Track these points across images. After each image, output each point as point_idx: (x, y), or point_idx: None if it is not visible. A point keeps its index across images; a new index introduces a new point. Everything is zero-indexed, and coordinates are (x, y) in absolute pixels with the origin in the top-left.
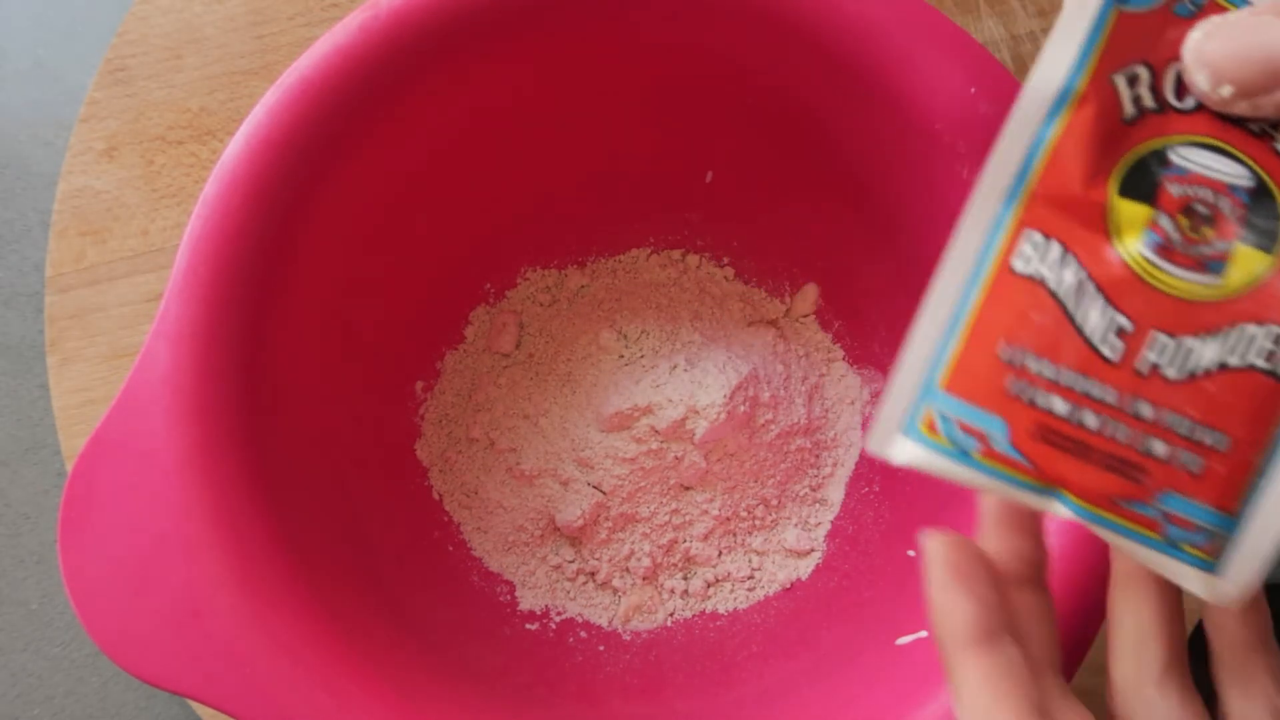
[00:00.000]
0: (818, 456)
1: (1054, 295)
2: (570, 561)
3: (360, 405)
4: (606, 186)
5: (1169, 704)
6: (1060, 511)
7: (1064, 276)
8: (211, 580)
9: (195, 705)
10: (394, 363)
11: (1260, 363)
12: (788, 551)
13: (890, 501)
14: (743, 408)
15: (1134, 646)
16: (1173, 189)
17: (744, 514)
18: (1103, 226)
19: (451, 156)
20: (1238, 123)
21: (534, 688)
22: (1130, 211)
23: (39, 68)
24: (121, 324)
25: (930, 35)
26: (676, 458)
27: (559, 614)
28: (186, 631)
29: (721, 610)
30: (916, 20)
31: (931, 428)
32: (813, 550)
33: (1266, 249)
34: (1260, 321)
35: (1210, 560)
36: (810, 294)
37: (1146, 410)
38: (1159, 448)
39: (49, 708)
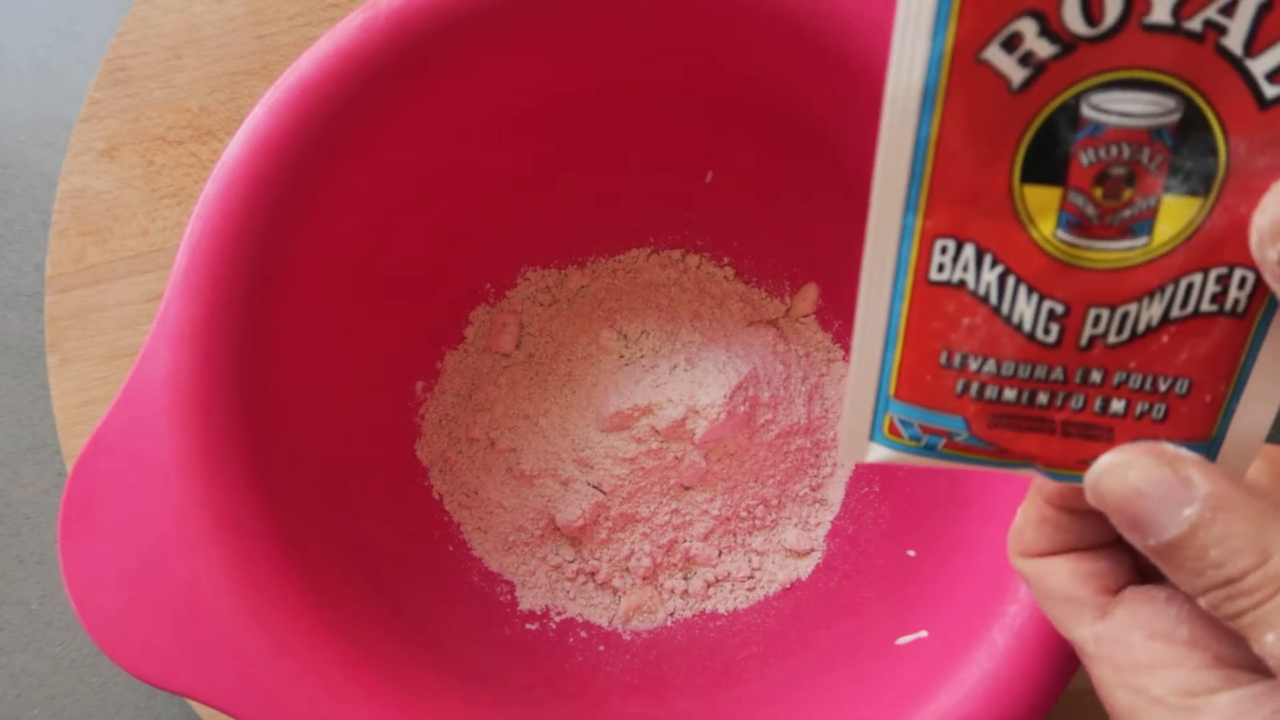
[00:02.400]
0: (818, 456)
1: (979, 298)
2: (570, 561)
3: (360, 405)
4: (607, 186)
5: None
6: (1038, 477)
7: (984, 276)
8: (211, 580)
9: (195, 705)
10: (394, 363)
11: (1208, 307)
12: (788, 551)
13: (890, 501)
14: (743, 408)
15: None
16: (1084, 157)
17: (744, 514)
18: (1013, 215)
19: (451, 156)
20: (1172, 30)
21: (534, 688)
22: (1038, 197)
23: (39, 68)
24: (121, 324)
25: None
26: (676, 458)
27: (559, 614)
28: (186, 631)
29: (721, 610)
30: None
31: (895, 432)
32: (813, 550)
33: (1198, 193)
34: (1200, 269)
35: None
36: (810, 294)
37: (1097, 376)
38: (1118, 406)
39: (49, 708)
